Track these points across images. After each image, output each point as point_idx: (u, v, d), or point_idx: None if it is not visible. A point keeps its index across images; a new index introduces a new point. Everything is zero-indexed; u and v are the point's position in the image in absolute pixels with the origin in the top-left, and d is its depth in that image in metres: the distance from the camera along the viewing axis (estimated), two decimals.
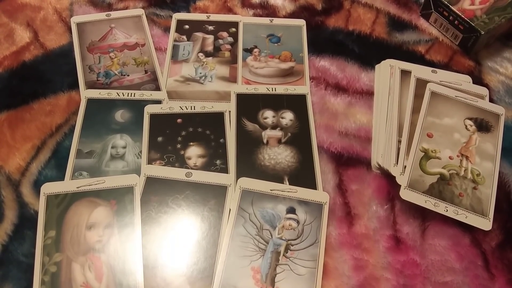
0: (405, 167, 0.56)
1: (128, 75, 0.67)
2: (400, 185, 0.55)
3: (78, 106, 0.63)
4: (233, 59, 0.70)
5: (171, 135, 0.61)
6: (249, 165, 0.58)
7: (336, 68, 0.69)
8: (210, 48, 0.71)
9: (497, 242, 0.55)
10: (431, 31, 0.74)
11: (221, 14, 0.75)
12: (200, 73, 0.68)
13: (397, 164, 0.57)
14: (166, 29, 0.73)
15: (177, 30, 0.72)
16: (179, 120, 0.62)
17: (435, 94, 0.62)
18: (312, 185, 0.57)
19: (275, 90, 0.66)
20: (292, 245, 0.52)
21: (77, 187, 0.55)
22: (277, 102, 0.64)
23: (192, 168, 0.58)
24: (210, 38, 0.72)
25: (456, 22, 0.70)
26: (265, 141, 0.61)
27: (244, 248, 0.52)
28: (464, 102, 0.62)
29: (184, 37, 0.72)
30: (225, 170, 0.58)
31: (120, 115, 0.62)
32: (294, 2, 0.78)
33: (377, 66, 0.69)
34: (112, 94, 0.64)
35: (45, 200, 0.54)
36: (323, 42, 0.72)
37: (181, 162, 0.58)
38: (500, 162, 0.59)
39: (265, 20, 0.74)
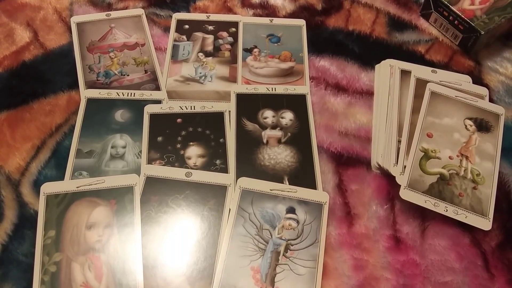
0: (405, 167, 0.56)
1: (128, 75, 0.67)
2: (400, 185, 0.55)
3: (78, 106, 0.63)
4: (233, 59, 0.70)
5: (171, 135, 0.61)
6: (249, 165, 0.58)
7: (336, 68, 0.69)
8: (210, 48, 0.71)
9: (497, 242, 0.55)
10: (431, 31, 0.74)
11: (221, 14, 0.75)
12: (200, 73, 0.68)
13: (397, 164, 0.57)
14: (166, 29, 0.73)
15: (177, 30, 0.72)
16: (179, 120, 0.62)
17: (435, 94, 0.62)
18: (312, 185, 0.57)
19: (275, 90, 0.66)
20: (292, 245, 0.52)
21: (77, 187, 0.55)
22: (277, 102, 0.64)
23: (192, 168, 0.58)
24: (210, 38, 0.72)
25: (456, 22, 0.70)
26: (265, 141, 0.61)
27: (244, 248, 0.52)
28: (464, 102, 0.62)
29: (184, 37, 0.72)
30: (225, 170, 0.58)
31: (120, 115, 0.62)
32: (294, 2, 0.78)
33: (377, 66, 0.69)
34: (112, 94, 0.64)
35: (45, 199, 0.54)
36: (323, 42, 0.72)
37: (181, 162, 0.58)
38: (500, 162, 0.58)
39: (265, 20, 0.74)
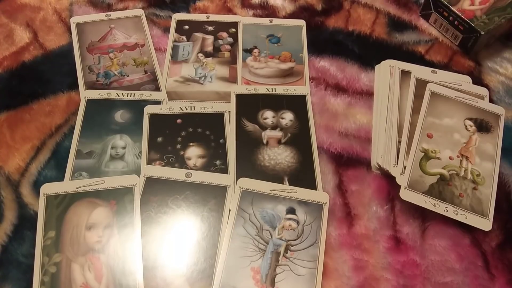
0: (405, 167, 0.56)
1: (127, 76, 0.67)
2: (400, 186, 0.55)
3: (78, 106, 0.63)
4: (232, 60, 0.70)
5: (171, 135, 0.60)
6: (249, 166, 0.58)
7: (336, 68, 0.69)
8: (209, 48, 0.71)
9: (497, 242, 0.55)
10: (431, 32, 0.74)
11: (220, 15, 0.75)
12: (200, 73, 0.68)
13: (397, 164, 0.57)
14: (166, 30, 0.73)
15: (176, 31, 0.72)
16: (178, 121, 0.62)
17: (435, 95, 0.61)
18: (312, 185, 0.57)
19: (275, 91, 0.66)
20: (292, 246, 0.52)
21: (77, 188, 0.55)
22: (277, 103, 0.64)
23: (192, 169, 0.58)
24: (210, 38, 0.72)
25: (456, 22, 0.70)
26: (265, 141, 0.61)
27: (244, 248, 0.52)
28: (464, 102, 0.62)
29: (184, 37, 0.72)
30: (225, 170, 0.58)
31: (119, 116, 0.62)
32: (294, 3, 0.78)
33: (377, 67, 0.69)
34: (112, 94, 0.64)
35: (44, 200, 0.54)
36: (323, 42, 0.72)
37: (181, 163, 0.58)
38: (500, 162, 0.58)
39: (265, 21, 0.74)
